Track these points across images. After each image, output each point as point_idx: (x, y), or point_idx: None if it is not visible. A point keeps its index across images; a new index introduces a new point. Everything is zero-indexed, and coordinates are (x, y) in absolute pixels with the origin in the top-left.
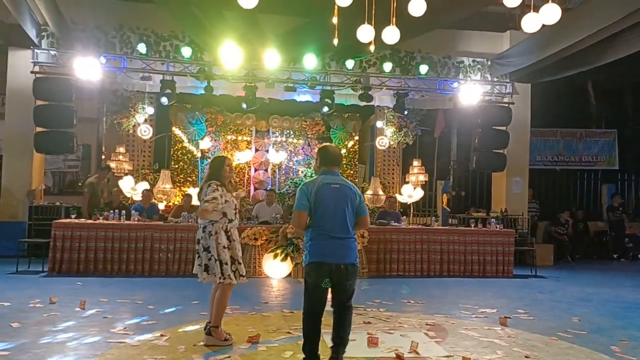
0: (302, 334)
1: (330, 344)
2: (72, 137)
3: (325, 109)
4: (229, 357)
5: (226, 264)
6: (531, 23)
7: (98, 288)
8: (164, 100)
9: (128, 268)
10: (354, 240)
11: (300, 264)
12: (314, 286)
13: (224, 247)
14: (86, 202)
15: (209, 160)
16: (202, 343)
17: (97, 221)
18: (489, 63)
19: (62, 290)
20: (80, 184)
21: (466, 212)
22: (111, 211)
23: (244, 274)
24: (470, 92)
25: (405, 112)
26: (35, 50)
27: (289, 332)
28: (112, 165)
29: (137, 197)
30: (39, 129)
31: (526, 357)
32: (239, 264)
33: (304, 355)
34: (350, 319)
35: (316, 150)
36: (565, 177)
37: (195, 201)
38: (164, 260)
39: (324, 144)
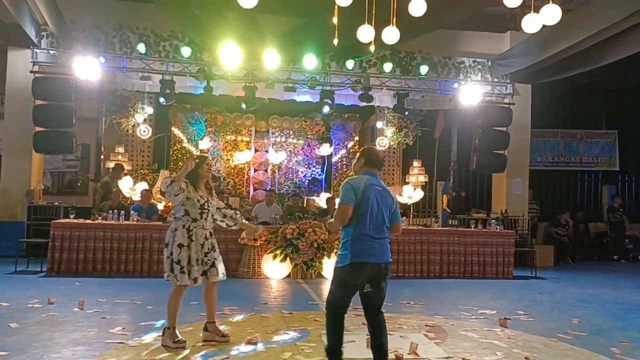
0: (329, 337)
1: (326, 343)
2: (71, 137)
3: (326, 109)
4: (227, 358)
5: (177, 263)
6: (532, 23)
7: (97, 288)
8: (162, 100)
9: (127, 268)
10: (388, 239)
11: (300, 265)
12: (352, 286)
13: (179, 245)
14: (99, 200)
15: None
16: (200, 343)
17: (96, 221)
18: (490, 63)
19: (61, 291)
20: (79, 184)
21: (466, 212)
22: (110, 211)
23: (195, 277)
24: (471, 93)
25: (406, 113)
26: (35, 50)
27: (288, 333)
28: (112, 165)
29: (136, 197)
30: (38, 129)
31: (526, 358)
32: (194, 265)
33: (329, 357)
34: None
35: (361, 150)
36: (565, 178)
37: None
38: (163, 260)
39: (369, 145)
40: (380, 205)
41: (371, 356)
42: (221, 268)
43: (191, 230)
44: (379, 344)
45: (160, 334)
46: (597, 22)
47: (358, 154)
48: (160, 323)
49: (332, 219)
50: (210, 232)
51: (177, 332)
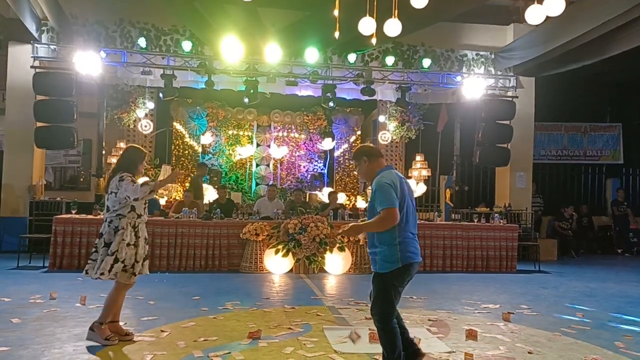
0: (391, 350)
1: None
2: (72, 132)
3: (331, 104)
4: (229, 352)
5: (121, 262)
6: (535, 15)
7: (98, 284)
8: (161, 94)
9: None
10: None
11: (302, 260)
12: (397, 291)
13: (128, 244)
14: (190, 198)
15: (123, 149)
16: (202, 339)
17: (98, 217)
18: (493, 56)
19: (63, 286)
20: (81, 179)
21: (469, 207)
22: None
23: (136, 274)
24: (474, 86)
25: (408, 107)
26: (36, 45)
27: (290, 328)
28: (114, 160)
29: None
30: (39, 124)
31: (529, 352)
32: (140, 262)
33: None
34: None
35: (356, 153)
36: (569, 171)
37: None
38: (165, 255)
39: (360, 145)
40: (413, 200)
41: (374, 350)
42: (138, 268)
43: (137, 226)
44: (407, 337)
45: (89, 328)
46: (602, 14)
47: (356, 158)
48: (163, 318)
49: (370, 223)
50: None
51: (108, 329)
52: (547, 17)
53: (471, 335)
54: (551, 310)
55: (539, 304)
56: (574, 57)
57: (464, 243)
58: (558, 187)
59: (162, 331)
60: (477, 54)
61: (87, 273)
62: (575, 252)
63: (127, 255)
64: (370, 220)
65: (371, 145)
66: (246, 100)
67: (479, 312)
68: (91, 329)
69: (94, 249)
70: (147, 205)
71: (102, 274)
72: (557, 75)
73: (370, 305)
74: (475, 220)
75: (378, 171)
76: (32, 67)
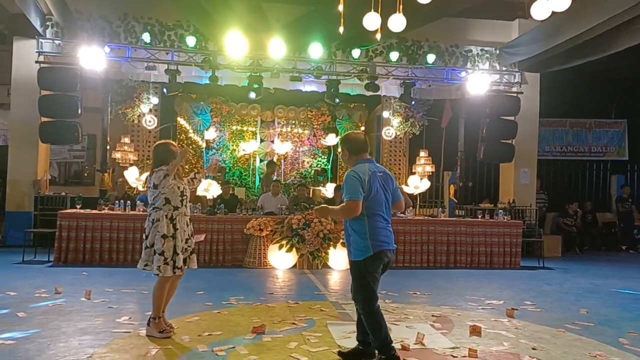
0: (377, 336)
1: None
2: (77, 127)
3: (337, 100)
4: (234, 347)
5: (160, 254)
6: (541, 10)
7: (103, 278)
8: (165, 90)
9: (133, 258)
10: None
11: (306, 255)
12: (373, 277)
13: (163, 236)
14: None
15: (153, 148)
16: (207, 333)
17: (103, 211)
18: (497, 52)
19: (68, 280)
20: (85, 174)
21: (473, 203)
22: (116, 201)
23: (180, 266)
24: (478, 82)
25: (412, 102)
26: (40, 40)
27: (294, 323)
28: (118, 155)
29: (142, 187)
30: (44, 119)
31: (533, 348)
32: (180, 254)
33: (384, 354)
34: None
35: (341, 141)
36: (573, 167)
37: (200, 192)
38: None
39: (347, 133)
40: (386, 192)
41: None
42: (179, 261)
43: (174, 219)
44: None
45: (146, 324)
46: (607, 9)
47: (341, 146)
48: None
49: (335, 209)
50: (189, 219)
51: (162, 321)
52: (553, 13)
53: (475, 331)
54: (555, 307)
55: (543, 300)
56: (579, 53)
57: (467, 239)
58: (562, 183)
59: (146, 326)
60: (481, 50)
61: (140, 267)
62: (580, 248)
63: (165, 247)
64: (336, 207)
65: (357, 137)
66: (253, 95)
67: (482, 308)
68: (147, 324)
69: (144, 245)
70: (184, 198)
71: (146, 264)
72: (562, 70)
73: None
74: (480, 217)
75: (356, 163)
76: (36, 62)
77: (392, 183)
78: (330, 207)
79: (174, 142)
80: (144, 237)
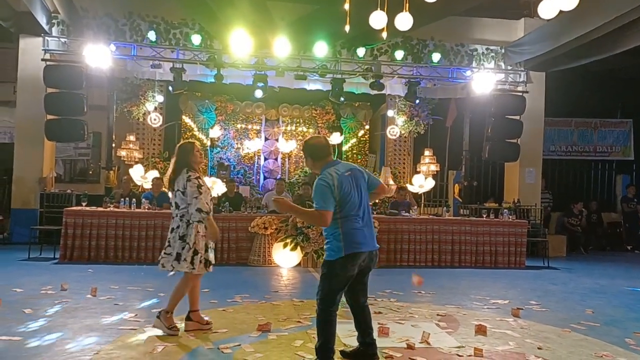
0: (321, 335)
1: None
2: (82, 125)
3: (342, 99)
4: (239, 345)
5: (198, 253)
6: (548, 9)
7: (109, 275)
8: (170, 88)
9: (139, 256)
10: (373, 225)
11: (310, 253)
12: (346, 279)
13: (203, 235)
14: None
15: (177, 147)
16: (212, 331)
17: (108, 209)
18: (503, 51)
19: (74, 277)
20: (90, 172)
21: (478, 202)
22: (121, 199)
23: (212, 262)
24: (484, 81)
25: (417, 101)
26: (46, 38)
27: (299, 321)
28: (123, 153)
29: (148, 185)
30: (49, 117)
31: (539, 348)
32: (209, 251)
33: (320, 355)
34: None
35: (302, 148)
36: (579, 167)
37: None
38: (170, 254)
39: (307, 139)
40: (360, 190)
41: (383, 345)
42: (212, 257)
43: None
44: (369, 332)
45: (156, 316)
46: (614, 8)
47: (303, 154)
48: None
49: (303, 212)
50: None
51: (173, 318)
52: (560, 11)
53: (480, 330)
54: (560, 307)
55: (548, 300)
56: (585, 52)
57: (472, 238)
58: (567, 183)
59: (156, 318)
60: (487, 49)
61: (163, 266)
62: (585, 248)
63: (200, 247)
64: (304, 209)
65: (317, 142)
66: (260, 93)
67: (487, 308)
68: (157, 316)
69: (167, 244)
70: (211, 197)
71: (188, 268)
72: (567, 70)
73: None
74: (484, 216)
75: (322, 168)
76: (42, 59)
77: (363, 176)
78: (296, 207)
79: (197, 144)
80: (169, 236)
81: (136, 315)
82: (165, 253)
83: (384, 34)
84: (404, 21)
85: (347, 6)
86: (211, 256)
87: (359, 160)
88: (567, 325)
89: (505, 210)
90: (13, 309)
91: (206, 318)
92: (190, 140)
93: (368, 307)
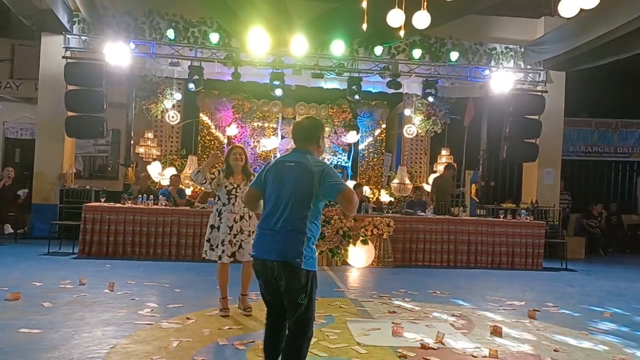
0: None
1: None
2: (102, 122)
3: (357, 97)
4: (253, 341)
5: (207, 241)
6: (568, 7)
7: (126, 270)
8: (191, 86)
9: (156, 252)
10: (296, 232)
11: (325, 252)
12: (260, 283)
13: (211, 226)
14: (432, 196)
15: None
16: (227, 327)
17: (126, 205)
18: (522, 50)
19: (92, 272)
20: (109, 168)
21: (495, 203)
22: (139, 196)
23: (229, 255)
24: (502, 80)
25: (434, 100)
26: (67, 36)
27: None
28: (141, 150)
29: (165, 182)
30: (70, 114)
31: (555, 350)
32: (219, 245)
33: None
34: (298, 349)
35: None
36: (599, 168)
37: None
38: (191, 244)
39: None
40: (281, 188)
41: (397, 344)
42: (249, 249)
43: (222, 213)
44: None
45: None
46: (637, 6)
47: None
48: (188, 306)
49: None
50: (240, 216)
51: (226, 302)
52: (580, 10)
53: (496, 331)
54: (578, 309)
55: (565, 302)
56: (606, 51)
57: (489, 239)
58: (587, 184)
59: (188, 318)
60: (506, 48)
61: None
62: (604, 250)
63: (212, 236)
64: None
65: (296, 127)
66: (279, 92)
67: (503, 309)
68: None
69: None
70: (232, 197)
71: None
72: (588, 69)
73: None
74: (501, 216)
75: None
76: (63, 57)
77: (302, 177)
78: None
79: (241, 148)
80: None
81: (152, 310)
82: None
83: (402, 33)
84: (422, 19)
85: (364, 4)
86: (219, 250)
87: (375, 160)
88: (585, 328)
89: (522, 211)
90: (32, 303)
91: (248, 304)
92: (235, 144)
93: (293, 340)
